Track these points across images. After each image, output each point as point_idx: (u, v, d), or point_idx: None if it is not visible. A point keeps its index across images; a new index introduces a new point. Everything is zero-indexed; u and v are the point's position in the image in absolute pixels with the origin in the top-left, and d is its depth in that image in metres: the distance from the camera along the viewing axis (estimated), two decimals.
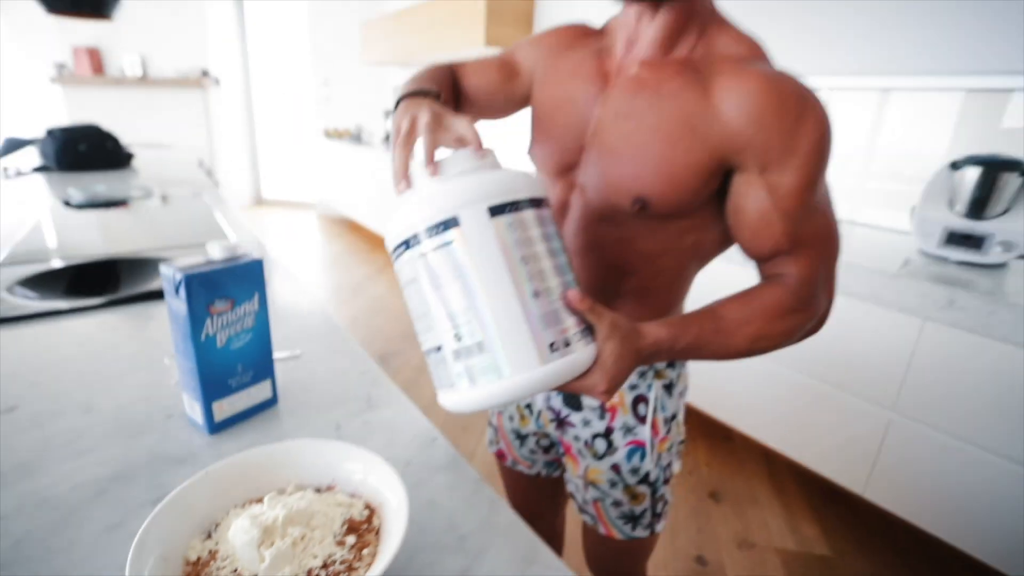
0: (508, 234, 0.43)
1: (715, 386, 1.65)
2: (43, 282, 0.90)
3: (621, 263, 0.61)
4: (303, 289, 0.91)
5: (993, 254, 1.29)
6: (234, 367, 0.50)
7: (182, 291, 0.44)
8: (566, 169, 0.63)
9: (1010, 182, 1.29)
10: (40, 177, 2.00)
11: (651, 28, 0.55)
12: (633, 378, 0.66)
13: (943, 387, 1.18)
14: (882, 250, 1.47)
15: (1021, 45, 1.35)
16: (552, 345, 0.43)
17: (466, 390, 0.44)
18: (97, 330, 0.73)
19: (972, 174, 1.32)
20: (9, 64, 4.82)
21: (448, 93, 0.65)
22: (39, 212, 1.38)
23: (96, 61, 4.81)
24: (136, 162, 2.46)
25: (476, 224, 0.42)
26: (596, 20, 0.67)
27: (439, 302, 0.44)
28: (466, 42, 2.77)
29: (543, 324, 0.43)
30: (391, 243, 0.45)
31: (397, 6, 4.36)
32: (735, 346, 0.54)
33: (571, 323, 0.45)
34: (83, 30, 4.72)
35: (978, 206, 1.32)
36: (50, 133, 2.22)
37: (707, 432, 1.85)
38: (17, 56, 4.86)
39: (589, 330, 0.47)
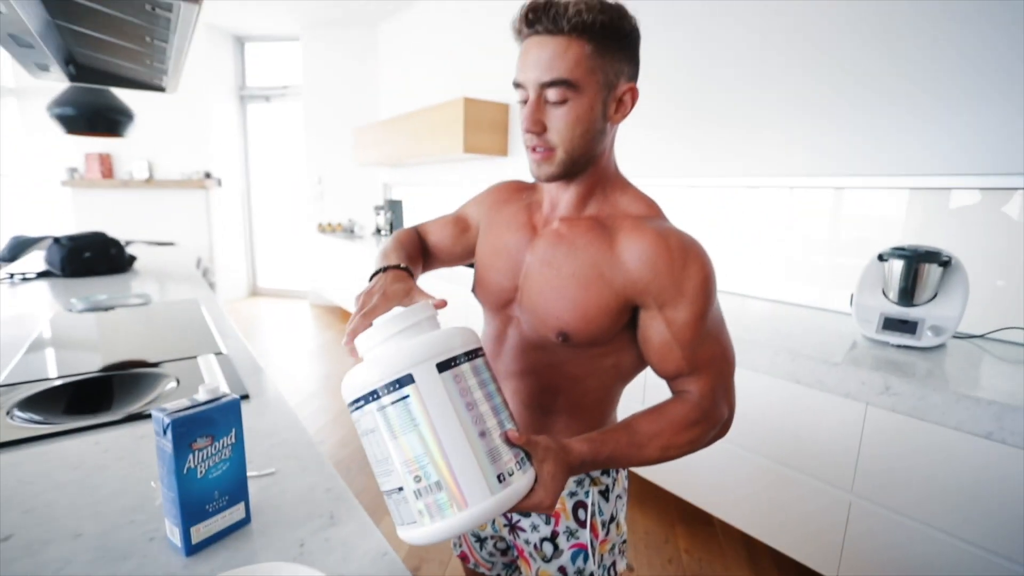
0: (453, 385, 0.52)
1: (692, 472, 1.69)
2: (42, 401, 0.98)
3: (553, 385, 0.71)
4: (284, 410, 0.99)
5: (925, 338, 1.39)
6: (211, 494, 0.58)
7: (169, 433, 0.53)
8: (504, 305, 0.74)
9: (931, 271, 1.42)
10: (43, 284, 2.11)
11: (567, 193, 0.70)
12: (572, 486, 0.74)
13: (893, 469, 1.24)
14: (840, 333, 1.58)
15: (958, 150, 1.54)
16: (499, 476, 0.51)
17: (428, 524, 0.50)
18: (91, 451, 0.80)
19: (897, 265, 1.46)
20: (26, 168, 5.12)
21: (416, 252, 0.80)
22: (40, 323, 1.48)
23: (107, 166, 5.13)
24: (138, 264, 2.60)
25: (427, 380, 0.50)
26: None
27: (398, 449, 0.50)
28: (448, 148, 3.04)
29: (490, 460, 0.51)
30: (349, 397, 0.54)
31: (386, 114, 4.76)
32: (648, 455, 0.63)
33: (511, 455, 0.54)
34: (98, 139, 5.07)
35: (907, 294, 1.45)
36: (57, 241, 2.36)
37: (687, 518, 1.86)
38: (34, 161, 5.18)
39: (527, 457, 0.56)
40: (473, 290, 0.80)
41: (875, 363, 1.30)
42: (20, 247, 3.46)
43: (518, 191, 0.81)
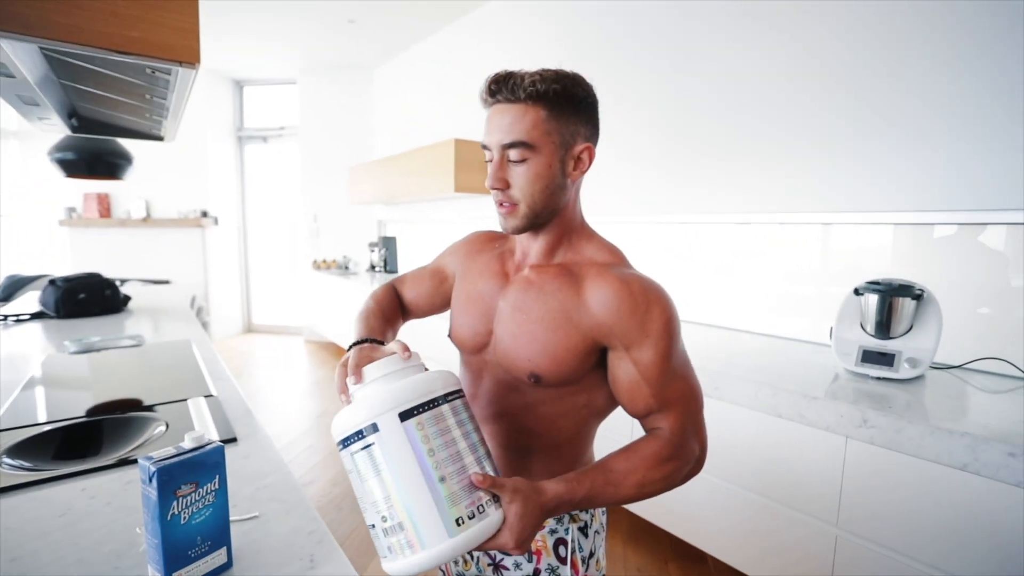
0: (415, 433, 0.55)
1: (683, 508, 1.69)
2: (31, 447, 0.99)
3: (528, 426, 0.74)
4: (271, 453, 1.01)
5: (903, 370, 1.43)
6: (194, 539, 0.59)
7: (154, 481, 0.55)
8: (478, 349, 0.78)
9: (906, 304, 1.47)
10: (37, 325, 2.13)
11: (536, 243, 0.75)
12: (552, 523, 0.76)
13: (875, 502, 1.25)
14: (824, 366, 1.61)
15: (938, 186, 1.61)
16: (458, 520, 0.54)
17: (394, 560, 0.55)
18: (78, 497, 0.81)
19: (872, 299, 1.50)
20: (25, 207, 5.19)
21: (393, 311, 0.88)
22: (33, 365, 1.49)
23: (104, 205, 5.20)
24: (133, 303, 2.62)
25: (388, 429, 0.55)
26: None
27: (367, 491, 0.56)
28: (440, 187, 3.12)
29: (450, 503, 0.54)
30: (335, 439, 0.59)
31: (380, 153, 4.88)
32: (625, 493, 0.65)
33: (475, 497, 0.56)
34: (97, 181, 5.17)
35: (883, 327, 1.49)
36: (52, 283, 2.39)
37: (680, 554, 1.84)
38: (33, 200, 5.25)
39: (495, 499, 0.58)
40: (449, 335, 0.84)
41: (855, 396, 1.33)
42: (15, 286, 3.48)
43: (491, 240, 0.86)
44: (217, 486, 0.61)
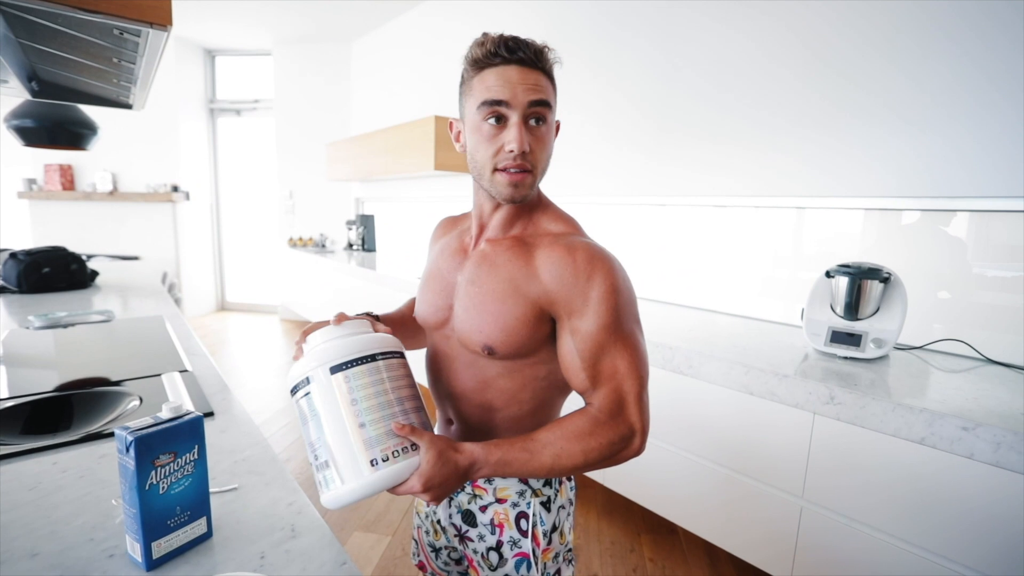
0: (342, 384, 0.62)
1: (656, 483, 1.74)
2: None
3: (490, 400, 0.75)
4: (249, 427, 1.00)
5: (869, 350, 1.48)
6: (173, 509, 0.59)
7: (132, 451, 0.54)
8: (441, 325, 0.79)
9: (874, 287, 1.52)
10: None
11: (497, 216, 0.75)
12: (514, 497, 0.77)
13: (839, 475, 1.31)
14: (794, 347, 1.66)
15: (908, 173, 1.65)
16: (372, 461, 0.61)
17: (323, 493, 0.64)
18: (49, 471, 0.80)
19: (843, 281, 1.55)
20: None
21: (411, 318, 0.92)
22: None
23: (68, 177, 4.98)
24: (100, 279, 2.54)
25: (318, 381, 0.63)
26: None
27: (307, 433, 0.65)
28: (419, 165, 3.08)
29: (364, 447, 0.61)
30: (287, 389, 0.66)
31: (358, 130, 4.77)
32: (542, 461, 0.65)
33: (394, 443, 0.62)
34: (59, 151, 4.94)
35: (852, 308, 1.54)
36: (13, 256, 2.29)
37: (652, 527, 1.90)
38: None
39: (414, 447, 0.63)
40: (415, 312, 0.85)
41: (823, 374, 1.38)
42: None
43: (454, 222, 0.87)
44: (196, 456, 0.61)
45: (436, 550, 0.87)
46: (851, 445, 1.28)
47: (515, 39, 0.67)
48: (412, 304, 0.97)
